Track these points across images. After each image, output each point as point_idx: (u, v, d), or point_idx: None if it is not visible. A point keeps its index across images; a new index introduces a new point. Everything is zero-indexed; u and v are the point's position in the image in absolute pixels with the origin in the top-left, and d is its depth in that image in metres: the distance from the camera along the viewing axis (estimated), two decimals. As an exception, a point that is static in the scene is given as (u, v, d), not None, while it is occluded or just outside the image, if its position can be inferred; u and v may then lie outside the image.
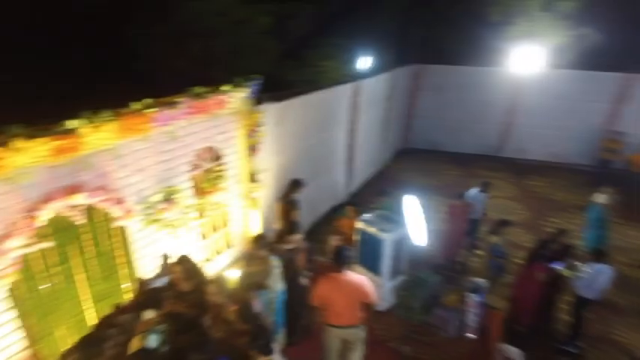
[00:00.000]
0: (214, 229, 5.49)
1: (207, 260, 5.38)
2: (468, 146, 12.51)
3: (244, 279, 4.65)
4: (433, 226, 6.68)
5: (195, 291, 3.78)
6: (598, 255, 5.38)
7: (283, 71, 9.84)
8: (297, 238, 5.31)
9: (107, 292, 4.18)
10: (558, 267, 5.31)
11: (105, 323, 3.58)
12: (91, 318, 4.00)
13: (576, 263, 5.41)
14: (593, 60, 11.58)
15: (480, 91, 12.02)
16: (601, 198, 6.82)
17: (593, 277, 5.19)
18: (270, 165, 6.17)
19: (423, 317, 5.62)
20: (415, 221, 5.32)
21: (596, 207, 6.82)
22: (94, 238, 3.93)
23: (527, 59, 10.53)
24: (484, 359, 5.02)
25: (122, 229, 4.15)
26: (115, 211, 3.99)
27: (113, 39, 9.12)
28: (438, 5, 13.06)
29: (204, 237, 5.30)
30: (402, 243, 5.69)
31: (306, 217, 6.93)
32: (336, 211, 7.76)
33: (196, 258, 4.37)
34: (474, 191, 7.09)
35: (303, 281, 5.08)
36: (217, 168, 5.25)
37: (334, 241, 5.94)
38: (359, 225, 5.88)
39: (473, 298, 5.29)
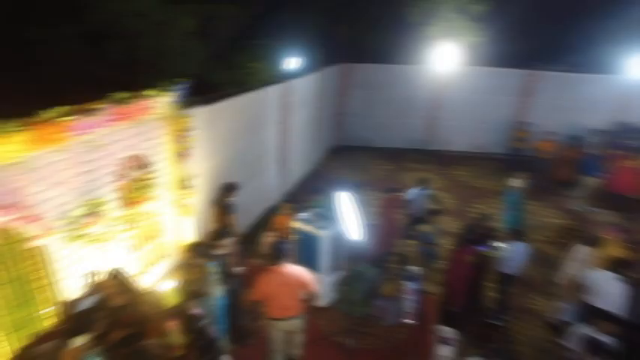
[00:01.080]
0: (146, 241, 5.24)
1: (141, 273, 5.13)
2: (397, 141, 13.05)
3: (182, 289, 4.51)
4: (368, 221, 6.91)
5: (130, 305, 3.60)
6: (516, 234, 5.94)
7: (211, 74, 9.61)
8: (230, 242, 5.22)
9: (24, 320, 3.78)
10: (483, 249, 5.73)
11: (24, 356, 3.27)
12: (6, 352, 3.63)
13: (498, 244, 5.88)
14: (503, 58, 12.70)
15: (406, 87, 12.61)
16: (515, 183, 7.46)
17: (513, 255, 5.71)
18: (201, 170, 6.00)
19: (364, 309, 5.78)
20: (350, 217, 5.45)
21: (512, 191, 7.45)
22: (3, 262, 3.57)
23: (446, 57, 11.22)
24: (423, 342, 5.29)
25: (40, 249, 3.82)
26: (30, 229, 3.65)
27: (11, 40, 8.34)
28: (362, 5, 13.49)
29: (135, 249, 5.04)
30: (338, 239, 5.81)
31: (241, 220, 6.85)
32: (271, 213, 7.75)
33: (128, 272, 4.15)
34: (415, 189, 7.39)
35: (237, 284, 5.04)
36: (145, 176, 5.01)
37: (269, 237, 5.93)
38: (295, 224, 5.93)
39: (409, 286, 5.54)
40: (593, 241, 5.80)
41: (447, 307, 5.73)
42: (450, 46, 11.10)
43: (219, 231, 5.19)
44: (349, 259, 6.21)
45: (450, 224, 8.16)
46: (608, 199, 9.19)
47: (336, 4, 13.36)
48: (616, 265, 5.20)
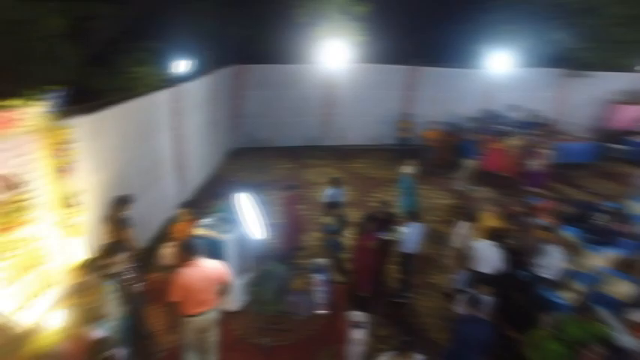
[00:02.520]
0: (26, 270, 4.65)
1: (21, 309, 4.54)
2: (295, 139, 13.27)
3: (79, 314, 4.12)
4: (272, 220, 6.95)
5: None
6: (412, 217, 6.46)
7: (91, 80, 8.80)
8: (124, 257, 4.88)
9: None
10: (383, 234, 6.12)
11: None
12: None
13: (397, 227, 6.33)
14: (387, 55, 13.67)
15: (300, 86, 12.90)
16: (407, 170, 8.09)
17: (410, 236, 6.20)
18: (89, 185, 5.51)
19: (277, 307, 5.82)
20: (252, 218, 5.44)
21: (405, 178, 8.07)
22: None
23: (335, 55, 11.70)
24: (336, 330, 5.49)
25: None
26: None
27: None
28: (251, 6, 13.43)
29: (11, 282, 4.43)
30: (243, 241, 5.77)
31: (140, 233, 6.44)
32: (171, 223, 7.41)
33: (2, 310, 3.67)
34: (330, 190, 7.51)
35: (139, 302, 4.78)
36: (17, 198, 4.43)
37: (169, 248, 5.67)
38: (196, 230, 5.75)
39: (317, 278, 5.71)
40: (473, 216, 6.54)
41: (355, 293, 6.02)
42: (338, 45, 11.60)
43: (113, 246, 4.81)
44: (257, 259, 6.19)
45: (352, 214, 8.54)
46: (485, 177, 10.39)
47: (223, 4, 13.12)
48: (493, 235, 5.93)
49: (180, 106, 8.41)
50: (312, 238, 7.55)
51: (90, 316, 3.92)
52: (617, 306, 5.50)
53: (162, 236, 7.20)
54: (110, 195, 5.84)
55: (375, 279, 6.31)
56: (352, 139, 13.64)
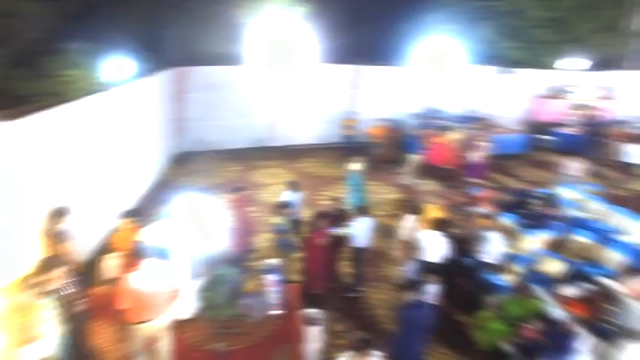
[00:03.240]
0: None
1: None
2: (242, 141, 13.10)
3: (13, 335, 3.82)
4: (221, 223, 6.83)
5: None
6: (361, 212, 6.58)
7: (14, 83, 8.19)
8: (62, 273, 4.59)
9: None
10: (334, 230, 6.20)
11: None
12: None
13: (347, 223, 6.43)
14: (332, 55, 13.88)
15: (245, 87, 12.73)
16: (355, 167, 8.25)
17: (361, 231, 6.33)
18: (18, 196, 5.13)
19: (230, 311, 5.72)
20: (201, 222, 5.33)
21: (353, 174, 8.22)
22: None
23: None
24: (291, 329, 5.48)
25: None
26: None
27: None
28: (190, 7, 13.10)
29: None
30: (193, 247, 5.62)
31: (79, 246, 6.07)
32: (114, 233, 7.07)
33: None
34: (289, 194, 7.45)
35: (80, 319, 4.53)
36: None
37: (111, 259, 5.41)
38: (141, 239, 5.53)
39: (270, 279, 5.67)
40: (419, 209, 6.78)
41: (309, 291, 6.05)
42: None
43: (49, 261, 4.50)
44: (207, 264, 6.06)
45: (302, 213, 8.58)
46: (429, 171, 10.81)
47: (160, 4, 12.70)
48: (438, 225, 6.19)
49: (118, 111, 8.02)
50: (263, 239, 7.50)
51: (26, 336, 3.64)
52: (550, 283, 5.93)
53: (104, 248, 6.85)
54: (48, 206, 5.47)
55: (328, 275, 6.38)
56: (300, 139, 13.68)
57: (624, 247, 6.95)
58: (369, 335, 4.41)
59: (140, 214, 6.45)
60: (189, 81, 12.29)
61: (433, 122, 12.92)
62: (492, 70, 15.31)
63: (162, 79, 11.05)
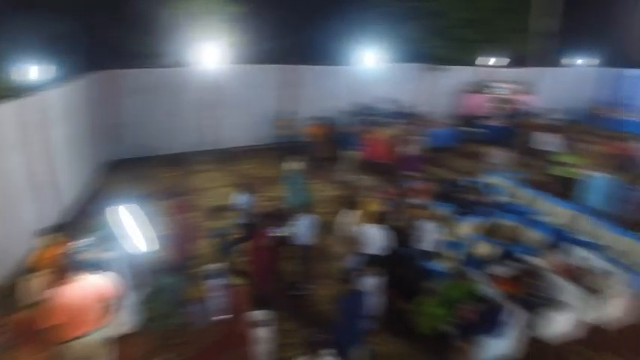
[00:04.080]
0: None
1: None
2: (180, 146, 12.71)
3: None
4: (162, 230, 6.59)
5: None
6: (303, 210, 6.63)
7: None
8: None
9: None
10: (276, 230, 6.19)
11: None
12: None
13: (289, 222, 6.45)
14: (266, 55, 13.85)
15: (181, 90, 12.37)
16: (293, 166, 8.28)
17: (303, 229, 6.37)
18: None
19: (174, 320, 5.55)
20: (138, 231, 5.10)
21: (292, 174, 8.24)
22: None
23: (213, 57, 11.44)
24: (239, 332, 5.41)
25: None
26: None
27: None
28: (117, 7, 12.45)
29: None
30: (129, 258, 5.37)
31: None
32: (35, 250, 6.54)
33: None
34: (241, 197, 7.28)
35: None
36: None
37: (35, 279, 5.02)
38: (73, 254, 5.17)
39: (214, 284, 5.55)
40: (357, 204, 6.96)
41: (255, 292, 5.99)
42: (214, 46, 11.37)
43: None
44: (147, 274, 5.82)
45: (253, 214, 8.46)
46: (366, 166, 11.10)
47: (89, 6, 11.94)
48: (376, 219, 6.40)
49: (37, 118, 7.43)
50: (205, 244, 7.31)
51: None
52: (482, 265, 6.35)
53: (25, 268, 6.33)
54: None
55: (274, 275, 6.36)
56: (237, 141, 13.51)
57: (544, 227, 7.61)
58: (318, 333, 4.46)
59: (66, 227, 6.03)
60: (121, 84, 11.67)
61: (368, 119, 13.30)
62: (421, 67, 16.06)
63: (91, 83, 10.40)
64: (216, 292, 5.59)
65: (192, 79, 12.28)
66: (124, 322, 5.23)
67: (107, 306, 4.22)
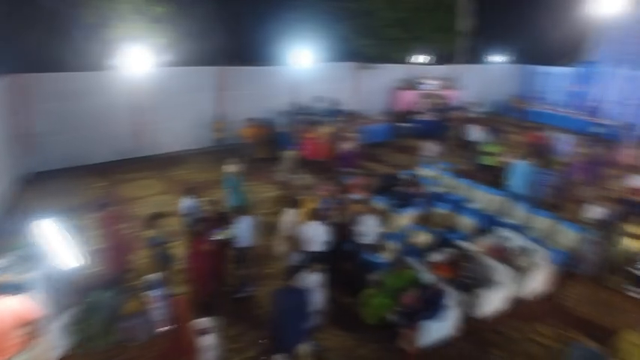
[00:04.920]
0: None
1: None
2: (106, 154, 12.00)
3: None
4: (94, 244, 6.22)
5: None
6: (242, 212, 6.53)
7: None
8: None
9: None
10: (216, 234, 6.05)
11: None
12: None
13: (229, 225, 6.32)
14: (197, 57, 13.45)
15: (106, 95, 11.65)
16: (231, 168, 8.14)
17: (242, 231, 6.28)
18: None
19: (110, 338, 5.23)
20: (63, 247, 4.77)
21: (230, 176, 8.10)
22: None
23: (138, 59, 10.90)
24: (183, 342, 5.22)
25: None
26: None
27: None
28: (26, 5, 11.48)
29: None
30: (57, 275, 5.00)
31: None
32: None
33: None
34: (187, 201, 7.00)
35: None
36: None
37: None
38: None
39: (153, 295, 5.32)
40: (297, 202, 6.99)
41: (198, 300, 5.82)
42: (140, 48, 10.85)
43: None
44: (77, 292, 5.45)
45: (179, 223, 8.16)
46: (304, 165, 11.15)
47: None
48: (317, 216, 6.46)
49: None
50: (142, 255, 6.97)
51: None
52: (420, 253, 6.63)
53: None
54: None
55: (216, 280, 6.21)
56: (173, 146, 13.02)
57: (474, 213, 8.10)
58: (263, 336, 4.41)
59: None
60: (35, 90, 10.74)
61: (305, 118, 13.38)
62: (354, 66, 16.44)
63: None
64: (157, 303, 5.36)
65: (120, 83, 11.63)
66: (53, 345, 4.86)
67: (30, 330, 3.89)
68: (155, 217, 6.26)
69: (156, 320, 5.36)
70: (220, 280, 6.26)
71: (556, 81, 20.32)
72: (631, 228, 6.87)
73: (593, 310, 6.38)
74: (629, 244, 6.78)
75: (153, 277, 5.61)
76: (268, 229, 7.80)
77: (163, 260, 6.29)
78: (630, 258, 6.74)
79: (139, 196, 9.90)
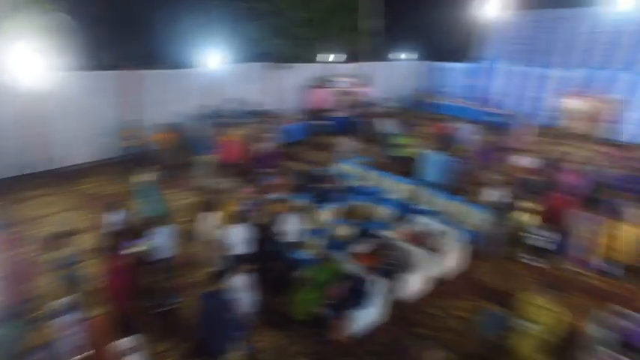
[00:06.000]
0: None
1: None
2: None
3: None
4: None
5: None
6: (160, 223, 6.22)
7: None
8: None
9: None
10: (131, 248, 5.69)
11: None
12: None
13: (145, 237, 5.98)
14: (100, 60, 12.43)
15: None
16: (144, 178, 7.70)
17: (162, 241, 5.99)
18: None
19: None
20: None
21: (143, 186, 7.66)
22: None
23: (29, 64, 9.78)
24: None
25: None
26: None
27: None
28: None
29: None
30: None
31: None
32: None
33: None
34: (111, 216, 6.52)
35: None
36: None
37: None
38: None
39: (62, 322, 4.86)
40: (218, 206, 6.83)
41: (118, 319, 5.43)
42: (33, 52, 9.74)
43: None
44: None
45: (91, 240, 7.55)
46: (222, 169, 10.88)
47: None
48: (238, 219, 6.37)
49: None
50: (45, 280, 6.32)
51: None
52: (344, 245, 6.83)
53: None
54: None
55: (136, 295, 5.85)
56: (75, 158, 11.93)
57: (391, 202, 8.52)
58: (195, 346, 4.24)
59: None
60: None
61: (218, 121, 13.07)
62: (266, 66, 16.38)
63: None
64: (69, 330, 4.90)
65: (5, 90, 10.37)
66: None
67: None
68: (59, 237, 5.72)
69: (69, 348, 4.90)
70: (140, 295, 5.90)
71: (455, 76, 22.06)
72: (523, 203, 7.68)
73: (499, 280, 7.07)
74: (522, 217, 7.58)
75: (61, 302, 5.11)
76: (189, 236, 7.51)
77: (73, 282, 5.77)
78: (524, 230, 7.55)
79: (39, 215, 8.96)
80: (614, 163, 10.71)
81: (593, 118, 16.32)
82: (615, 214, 7.26)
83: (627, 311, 5.24)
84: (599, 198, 8.29)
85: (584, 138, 15.69)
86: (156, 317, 5.93)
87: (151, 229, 6.06)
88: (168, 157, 11.55)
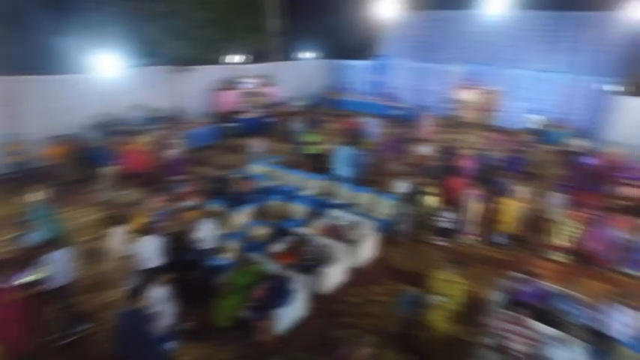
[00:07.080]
0: None
1: None
2: None
3: None
4: None
5: None
6: (55, 244, 5.64)
7: None
8: None
9: None
10: (19, 279, 5.11)
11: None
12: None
13: (39, 263, 5.39)
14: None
15: None
16: (35, 197, 6.91)
17: (60, 266, 5.45)
18: None
19: None
20: None
21: (35, 206, 6.87)
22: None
23: None
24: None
25: None
26: None
27: None
28: None
29: None
30: None
31: None
32: None
33: None
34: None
35: None
36: None
37: None
38: None
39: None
40: (125, 220, 6.41)
41: (14, 357, 4.85)
42: None
43: None
44: None
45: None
46: (127, 180, 10.17)
47: None
48: (148, 230, 6.04)
49: None
50: None
51: None
52: (262, 246, 6.80)
53: None
54: None
55: (34, 330, 5.25)
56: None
57: (305, 200, 8.66)
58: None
59: None
60: None
61: (119, 129, 12.20)
62: (167, 69, 15.60)
63: None
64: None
65: None
66: None
67: None
68: None
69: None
70: (38, 328, 5.31)
71: (359, 73, 22.93)
72: (429, 188, 8.28)
73: (412, 263, 7.55)
74: (429, 202, 8.17)
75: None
76: (97, 255, 6.95)
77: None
78: (430, 214, 8.15)
79: None
80: (499, 147, 11.96)
81: (481, 107, 18.11)
82: (501, 192, 8.20)
83: (515, 274, 5.95)
84: (488, 178, 9.23)
85: (475, 126, 17.30)
86: (63, 348, 5.40)
87: (44, 255, 5.46)
88: (65, 172, 10.53)
